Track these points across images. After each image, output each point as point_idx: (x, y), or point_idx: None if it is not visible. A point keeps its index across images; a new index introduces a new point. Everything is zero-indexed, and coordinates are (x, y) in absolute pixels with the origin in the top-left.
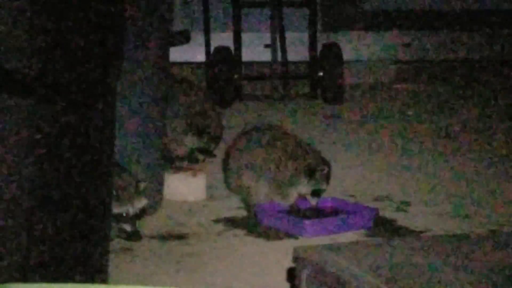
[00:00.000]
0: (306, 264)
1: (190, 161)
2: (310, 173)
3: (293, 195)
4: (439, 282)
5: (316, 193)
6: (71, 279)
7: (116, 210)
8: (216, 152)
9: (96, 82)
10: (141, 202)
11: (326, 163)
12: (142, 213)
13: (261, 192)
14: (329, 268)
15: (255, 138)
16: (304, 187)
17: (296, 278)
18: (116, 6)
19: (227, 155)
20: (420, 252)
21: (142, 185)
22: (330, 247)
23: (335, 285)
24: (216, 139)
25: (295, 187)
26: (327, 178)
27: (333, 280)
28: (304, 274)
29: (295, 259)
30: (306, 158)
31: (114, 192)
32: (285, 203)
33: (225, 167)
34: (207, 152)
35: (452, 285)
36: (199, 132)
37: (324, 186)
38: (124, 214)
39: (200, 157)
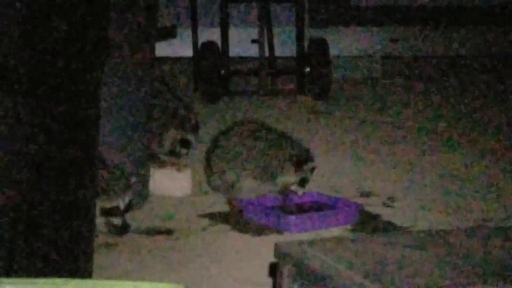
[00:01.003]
0: (288, 259)
1: (173, 155)
2: (298, 163)
3: (279, 184)
4: (421, 276)
5: (302, 182)
6: (56, 274)
7: (106, 204)
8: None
9: (80, 75)
10: (130, 196)
11: (310, 154)
12: (129, 207)
13: (245, 187)
14: (310, 263)
15: (238, 133)
16: (291, 177)
17: (278, 273)
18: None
19: (209, 151)
20: (402, 247)
21: (132, 179)
22: (312, 243)
23: (317, 280)
24: (196, 128)
25: (282, 175)
26: (312, 169)
27: (315, 276)
28: (286, 270)
29: (277, 254)
30: (292, 149)
31: (104, 186)
32: (271, 194)
33: (208, 164)
34: (188, 144)
35: (434, 279)
36: (181, 124)
37: (309, 176)
38: (115, 208)
39: (183, 151)
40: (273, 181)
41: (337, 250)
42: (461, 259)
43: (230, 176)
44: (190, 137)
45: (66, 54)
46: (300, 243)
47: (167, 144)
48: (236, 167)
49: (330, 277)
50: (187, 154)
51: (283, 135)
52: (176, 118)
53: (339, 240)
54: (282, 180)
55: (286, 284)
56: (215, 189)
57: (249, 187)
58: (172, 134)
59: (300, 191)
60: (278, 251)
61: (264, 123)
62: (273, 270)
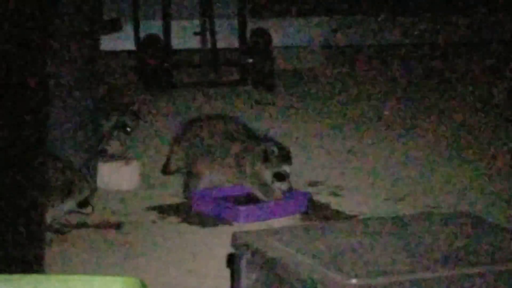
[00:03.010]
0: (246, 249)
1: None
2: (265, 156)
3: (254, 181)
4: (377, 262)
5: (278, 176)
6: (7, 270)
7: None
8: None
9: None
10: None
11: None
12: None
13: (215, 178)
14: (269, 252)
15: (207, 124)
16: (263, 172)
17: (236, 263)
18: None
19: (175, 143)
20: (357, 234)
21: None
22: (270, 232)
23: (276, 269)
24: (135, 115)
25: (255, 173)
26: (284, 159)
27: (274, 265)
28: (244, 259)
29: (235, 244)
30: (261, 142)
31: (65, 188)
32: (226, 185)
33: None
34: (125, 127)
35: (390, 264)
36: (124, 110)
37: (285, 168)
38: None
39: (122, 135)
40: (242, 172)
41: (295, 238)
42: (414, 245)
43: (203, 167)
44: (129, 121)
45: (10, 52)
46: (258, 232)
47: (106, 128)
48: (204, 158)
49: (289, 265)
50: (127, 137)
51: (247, 129)
52: (117, 105)
53: (296, 229)
54: (251, 171)
55: (245, 273)
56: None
57: (219, 179)
58: (112, 118)
59: (284, 186)
60: (236, 241)
61: (233, 116)
62: (231, 261)
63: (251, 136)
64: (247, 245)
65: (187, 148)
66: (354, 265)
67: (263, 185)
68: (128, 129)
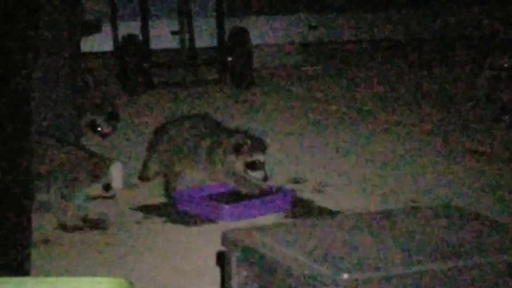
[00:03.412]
0: (236, 246)
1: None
2: (236, 146)
3: (228, 174)
4: (368, 257)
5: (251, 165)
6: None
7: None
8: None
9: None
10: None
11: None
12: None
13: (192, 177)
14: (260, 249)
15: (177, 127)
16: (235, 164)
17: (226, 261)
18: None
19: (149, 150)
20: (347, 229)
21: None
22: (259, 229)
23: (267, 266)
24: (113, 116)
25: (228, 165)
26: (257, 149)
27: (264, 261)
28: (234, 257)
29: (225, 242)
30: (232, 136)
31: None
32: (209, 183)
33: (153, 155)
34: (96, 127)
35: (382, 260)
36: (97, 110)
37: (258, 157)
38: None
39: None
40: (214, 166)
41: (285, 235)
42: (404, 238)
43: (176, 168)
44: (100, 121)
45: None
46: (248, 229)
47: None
48: (179, 158)
49: (280, 261)
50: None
51: (219, 125)
52: (91, 105)
53: (285, 225)
54: (224, 164)
55: (235, 271)
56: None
57: (199, 177)
58: (85, 119)
59: (258, 174)
60: (226, 239)
61: (203, 113)
62: (221, 258)
63: (222, 130)
64: (237, 243)
65: (161, 152)
66: (345, 260)
67: (238, 177)
68: (99, 129)
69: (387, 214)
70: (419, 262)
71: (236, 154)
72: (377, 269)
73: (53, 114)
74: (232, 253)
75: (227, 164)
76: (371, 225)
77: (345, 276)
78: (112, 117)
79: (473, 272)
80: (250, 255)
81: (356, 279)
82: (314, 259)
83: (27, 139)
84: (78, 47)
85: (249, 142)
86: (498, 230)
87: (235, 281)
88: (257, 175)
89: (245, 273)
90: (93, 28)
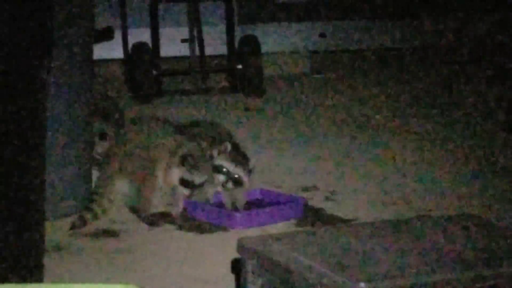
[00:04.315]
0: (252, 254)
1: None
2: (182, 160)
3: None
4: (384, 266)
5: (184, 182)
6: (6, 279)
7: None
8: None
9: (24, 75)
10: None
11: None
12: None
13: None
14: (275, 257)
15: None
16: (184, 176)
17: (242, 268)
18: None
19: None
20: (362, 238)
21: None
22: (275, 237)
23: (283, 274)
24: (119, 124)
25: (174, 176)
26: (199, 168)
27: (281, 270)
28: (249, 265)
29: (240, 250)
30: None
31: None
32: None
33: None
34: (104, 135)
35: (398, 267)
36: (103, 117)
37: (195, 177)
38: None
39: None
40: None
41: (300, 243)
42: (419, 247)
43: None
44: (109, 130)
45: (10, 54)
46: (263, 237)
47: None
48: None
49: (296, 270)
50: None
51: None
52: (99, 112)
53: (300, 233)
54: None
55: (251, 279)
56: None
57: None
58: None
59: (186, 192)
60: (242, 247)
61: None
62: (236, 266)
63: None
64: (253, 251)
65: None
66: (362, 269)
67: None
68: (107, 137)
69: (402, 223)
70: (435, 271)
71: (181, 167)
72: (394, 278)
73: (64, 119)
74: (248, 261)
75: (173, 173)
76: (386, 234)
77: (362, 285)
78: (120, 125)
79: (488, 282)
80: (265, 263)
81: None
82: (331, 268)
83: (41, 146)
84: (91, 55)
85: (191, 154)
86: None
87: None
88: (185, 191)
89: (260, 282)
90: (105, 35)
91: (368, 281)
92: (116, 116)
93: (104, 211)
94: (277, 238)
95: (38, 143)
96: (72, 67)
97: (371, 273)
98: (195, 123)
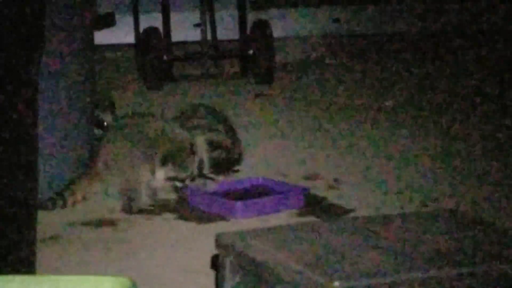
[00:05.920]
0: (229, 250)
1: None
2: (163, 160)
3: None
4: (362, 264)
5: (173, 179)
6: None
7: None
8: None
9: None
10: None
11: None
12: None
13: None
14: (252, 254)
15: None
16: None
17: (219, 264)
18: None
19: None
20: (344, 234)
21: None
22: (254, 233)
23: (258, 272)
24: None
25: (158, 176)
26: (182, 166)
27: (256, 267)
28: (227, 261)
29: (218, 245)
30: (167, 144)
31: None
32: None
33: None
34: (102, 124)
35: (376, 266)
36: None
37: (179, 174)
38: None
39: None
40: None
41: (280, 239)
42: (401, 245)
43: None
44: (105, 117)
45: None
46: (241, 233)
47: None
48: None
49: (272, 267)
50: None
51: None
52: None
53: (282, 229)
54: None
55: (228, 275)
56: None
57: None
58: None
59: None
60: (220, 243)
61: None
62: (215, 262)
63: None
64: (230, 247)
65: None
66: (338, 267)
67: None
68: (105, 124)
69: (386, 219)
70: (412, 269)
71: (163, 166)
72: (370, 276)
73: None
74: (226, 257)
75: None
76: (368, 230)
77: (336, 284)
78: (112, 110)
79: (468, 280)
80: (243, 260)
81: (348, 287)
82: (307, 266)
83: (33, 135)
84: (92, 43)
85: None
86: (500, 238)
87: (227, 285)
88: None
89: (238, 278)
90: (107, 21)
91: (344, 279)
92: (107, 101)
93: (74, 204)
94: (257, 234)
95: (29, 134)
96: (73, 54)
97: (347, 271)
98: (195, 106)
